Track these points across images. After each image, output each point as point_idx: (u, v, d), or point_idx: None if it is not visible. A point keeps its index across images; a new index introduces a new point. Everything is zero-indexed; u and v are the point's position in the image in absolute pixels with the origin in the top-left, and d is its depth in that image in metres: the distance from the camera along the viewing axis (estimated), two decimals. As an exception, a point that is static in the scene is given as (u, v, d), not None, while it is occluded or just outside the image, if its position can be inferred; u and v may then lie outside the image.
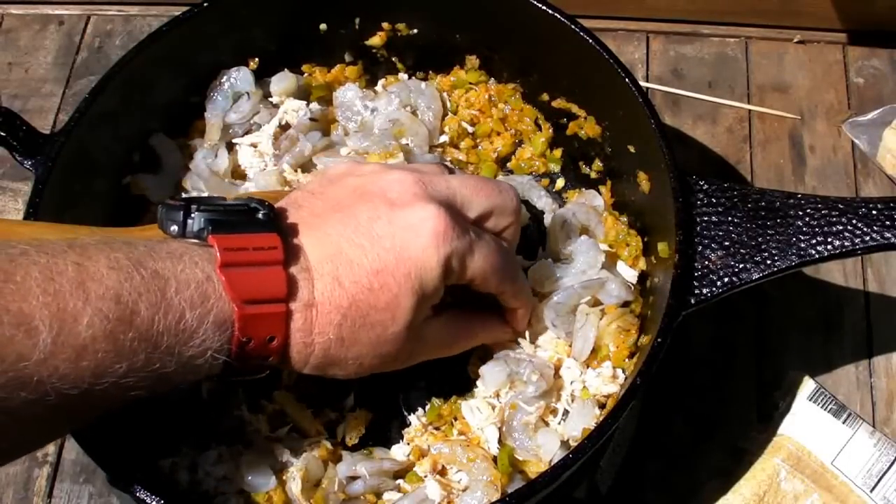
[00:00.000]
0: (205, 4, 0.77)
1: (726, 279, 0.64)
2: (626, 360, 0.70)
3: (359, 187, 0.61)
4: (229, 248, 0.54)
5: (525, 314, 0.70)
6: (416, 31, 0.83)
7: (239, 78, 0.81)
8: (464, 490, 0.67)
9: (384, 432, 0.74)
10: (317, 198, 0.61)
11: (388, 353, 0.60)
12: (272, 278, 0.54)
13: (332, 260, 0.57)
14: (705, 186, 0.68)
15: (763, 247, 0.65)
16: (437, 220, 0.58)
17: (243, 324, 0.53)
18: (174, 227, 0.56)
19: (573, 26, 0.74)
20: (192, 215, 0.55)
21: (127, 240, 0.53)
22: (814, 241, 0.65)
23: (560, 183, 0.83)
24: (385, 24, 0.83)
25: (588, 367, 0.71)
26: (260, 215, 0.57)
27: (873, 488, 0.73)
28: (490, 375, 0.70)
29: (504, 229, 0.66)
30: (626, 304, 0.72)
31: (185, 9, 0.77)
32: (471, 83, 0.84)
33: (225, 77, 0.81)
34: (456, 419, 0.72)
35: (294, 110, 0.81)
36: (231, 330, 0.53)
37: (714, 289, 0.64)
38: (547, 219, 0.79)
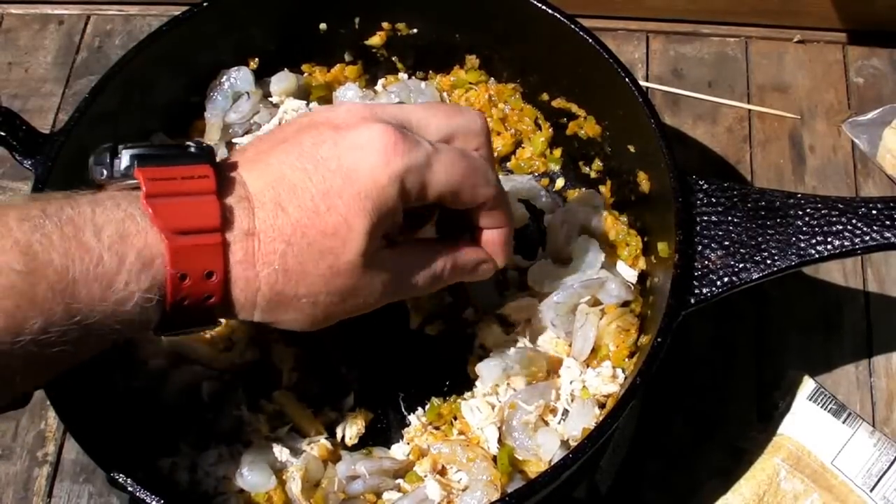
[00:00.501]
0: (205, 4, 0.77)
1: (726, 279, 0.64)
2: (626, 359, 0.70)
3: (305, 122, 0.58)
4: (155, 178, 0.51)
5: (507, 236, 0.64)
6: (415, 30, 0.83)
7: (239, 78, 0.81)
8: (464, 490, 0.67)
9: (384, 432, 0.74)
10: (264, 140, 0.58)
11: (344, 287, 0.55)
12: (204, 207, 0.51)
13: (273, 187, 0.54)
14: (705, 186, 0.68)
15: (763, 246, 0.65)
16: (385, 136, 0.54)
17: (175, 257, 0.50)
18: (103, 172, 0.53)
19: (573, 26, 0.74)
20: (119, 155, 0.53)
21: (49, 194, 0.51)
22: (814, 241, 0.65)
23: (560, 183, 0.83)
24: (385, 24, 0.83)
25: (588, 366, 0.71)
26: (192, 149, 0.54)
27: (873, 488, 0.73)
28: (486, 371, 0.70)
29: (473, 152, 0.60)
30: (625, 304, 0.72)
31: (184, 9, 0.77)
32: (471, 83, 0.84)
33: (225, 77, 0.81)
34: (456, 419, 0.72)
35: (294, 110, 0.81)
36: (162, 267, 0.50)
37: (714, 289, 0.64)
38: (547, 219, 0.79)
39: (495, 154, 0.83)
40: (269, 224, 0.53)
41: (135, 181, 0.52)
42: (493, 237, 0.63)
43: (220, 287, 0.52)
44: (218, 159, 0.80)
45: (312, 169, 0.54)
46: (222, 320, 0.59)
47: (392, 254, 0.58)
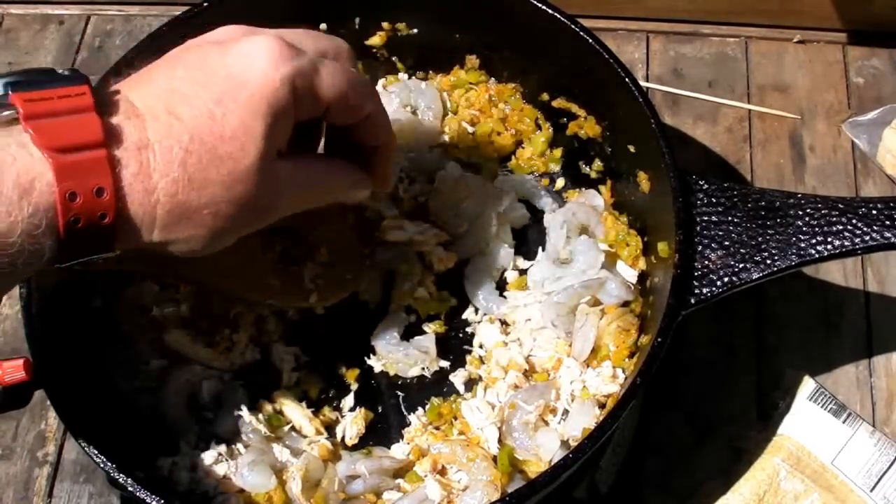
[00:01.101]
0: (205, 4, 0.77)
1: (726, 279, 0.65)
2: (626, 359, 0.70)
3: (185, 45, 0.58)
4: (31, 99, 0.50)
5: (388, 155, 0.65)
6: (416, 30, 0.83)
7: (239, 78, 0.81)
8: (464, 490, 0.67)
9: (384, 432, 0.74)
10: (145, 68, 0.57)
11: (244, 195, 0.55)
12: (84, 123, 0.50)
13: (163, 99, 0.53)
14: (705, 186, 0.68)
15: (763, 246, 0.65)
16: (271, 43, 0.55)
17: (61, 174, 0.48)
18: None
19: (573, 26, 0.74)
20: None
21: None
22: (814, 241, 0.65)
23: (560, 183, 0.83)
24: (385, 24, 0.83)
25: (588, 366, 0.71)
26: (65, 73, 0.53)
27: (873, 488, 0.73)
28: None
29: None
30: (625, 304, 0.72)
31: (185, 9, 0.77)
32: (471, 83, 0.84)
33: (225, 77, 0.81)
34: (456, 419, 0.72)
35: (294, 110, 0.81)
36: (47, 189, 0.48)
37: (714, 289, 0.64)
38: (547, 219, 0.79)
39: (496, 154, 0.83)
40: (164, 133, 0.52)
41: (10, 112, 0.51)
42: (376, 157, 0.64)
43: (113, 204, 0.50)
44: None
45: (203, 78, 0.54)
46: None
47: (286, 163, 0.58)
